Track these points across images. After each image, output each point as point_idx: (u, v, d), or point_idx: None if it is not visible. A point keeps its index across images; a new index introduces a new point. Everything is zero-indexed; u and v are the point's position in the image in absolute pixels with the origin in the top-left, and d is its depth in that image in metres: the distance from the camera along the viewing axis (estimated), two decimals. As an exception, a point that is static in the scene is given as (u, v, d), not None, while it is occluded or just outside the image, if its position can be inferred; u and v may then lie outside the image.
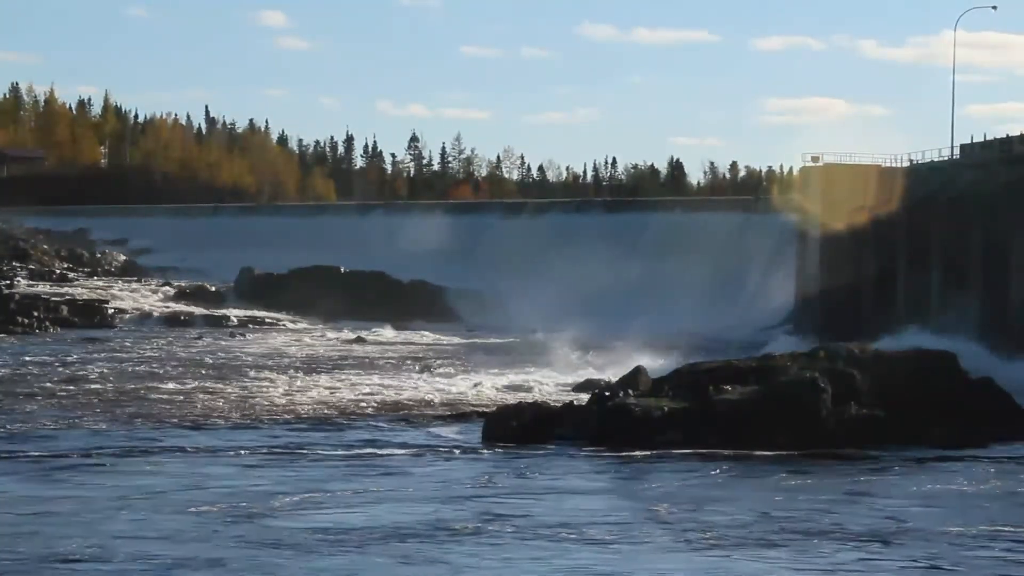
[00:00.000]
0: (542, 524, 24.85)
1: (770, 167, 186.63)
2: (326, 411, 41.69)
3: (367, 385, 49.10)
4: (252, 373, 52.94)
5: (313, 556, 22.35)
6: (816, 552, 23.00)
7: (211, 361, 57.87)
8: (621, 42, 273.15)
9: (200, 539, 23.50)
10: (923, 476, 30.99)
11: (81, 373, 51.90)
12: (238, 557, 22.21)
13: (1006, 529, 24.92)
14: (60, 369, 53.30)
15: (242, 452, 33.43)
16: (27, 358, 57.28)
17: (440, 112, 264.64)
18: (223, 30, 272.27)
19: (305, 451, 33.80)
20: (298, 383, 49.55)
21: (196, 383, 48.94)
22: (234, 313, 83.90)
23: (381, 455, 33.30)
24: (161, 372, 52.90)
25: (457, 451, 34.09)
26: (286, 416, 40.54)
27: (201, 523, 24.81)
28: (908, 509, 26.97)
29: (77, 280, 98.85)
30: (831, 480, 30.49)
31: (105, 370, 53.06)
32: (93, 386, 47.63)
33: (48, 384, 48.09)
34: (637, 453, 33.32)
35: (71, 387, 47.24)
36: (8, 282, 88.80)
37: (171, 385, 48.18)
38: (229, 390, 46.99)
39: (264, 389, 47.43)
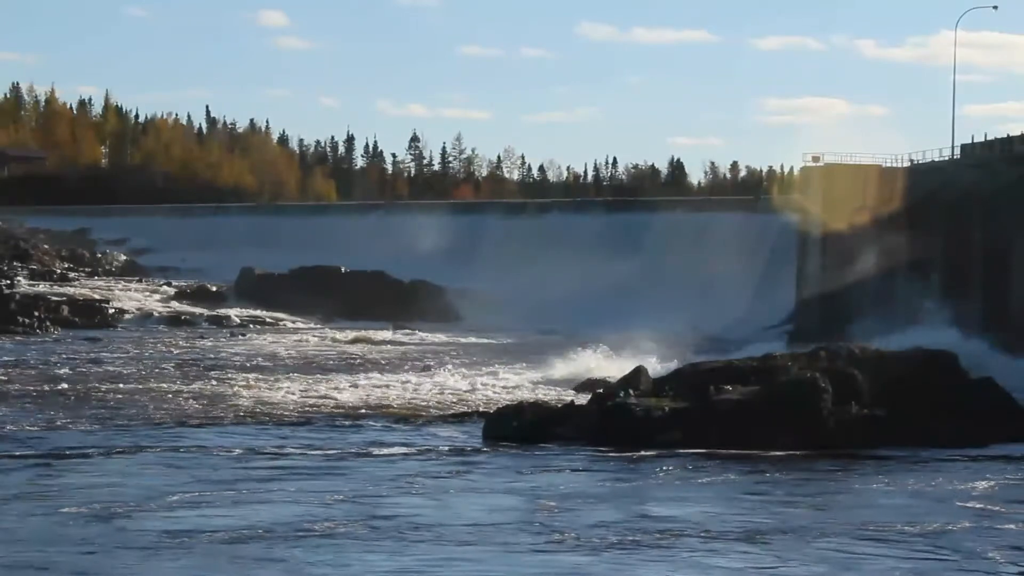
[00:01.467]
0: (420, 525, 24.49)
1: (770, 167, 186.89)
2: (324, 411, 41.61)
3: (367, 385, 49.04)
4: (249, 373, 52.85)
5: (146, 558, 21.92)
6: (674, 554, 22.64)
7: (208, 361, 57.76)
8: (620, 42, 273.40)
9: (42, 541, 22.96)
10: (883, 476, 30.84)
11: (67, 373, 51.73)
12: (67, 560, 21.70)
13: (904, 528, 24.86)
14: (47, 369, 53.07)
15: (216, 452, 33.03)
16: (12, 358, 56.91)
17: (440, 112, 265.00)
18: (223, 30, 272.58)
19: (284, 452, 33.37)
20: (297, 383, 49.46)
21: (190, 383, 48.74)
22: (235, 313, 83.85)
23: (373, 456, 33.04)
24: (155, 372, 52.75)
25: (450, 451, 33.87)
26: (282, 416, 40.39)
27: (56, 524, 24.30)
28: (845, 508, 26.85)
29: (77, 280, 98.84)
30: (797, 480, 30.25)
31: (93, 370, 52.89)
32: (73, 386, 47.28)
33: (27, 384, 47.78)
34: (636, 453, 33.24)
35: (46, 387, 46.90)
36: (8, 282, 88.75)
37: (165, 385, 48.02)
38: (223, 390, 46.82)
39: (261, 389, 47.31)
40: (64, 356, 58.52)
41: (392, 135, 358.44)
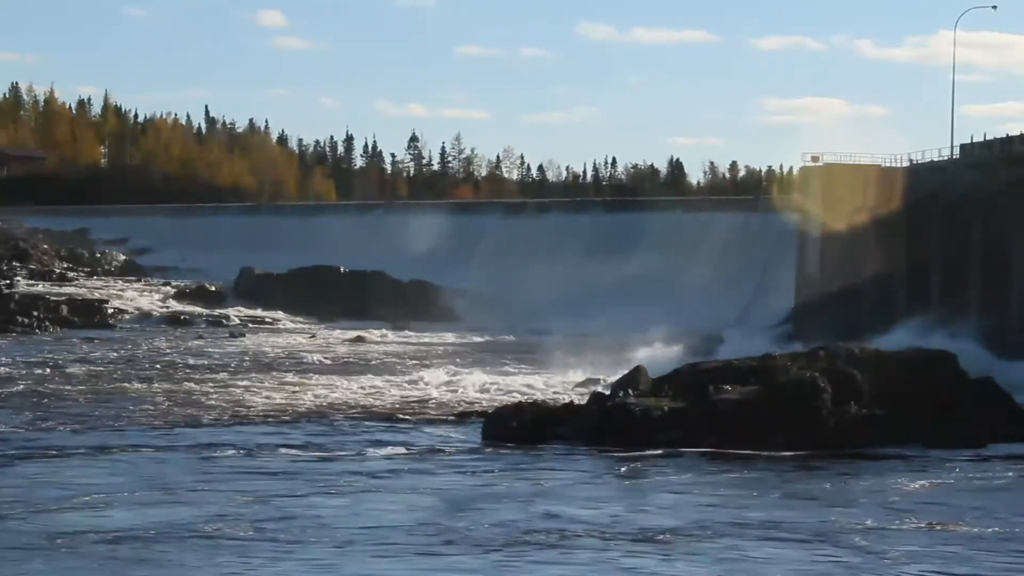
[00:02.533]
0: (322, 526, 24.34)
1: (769, 167, 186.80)
2: (321, 411, 41.51)
3: (366, 385, 48.97)
4: (246, 373, 52.81)
5: (20, 560, 21.79)
6: (568, 555, 22.61)
7: (205, 361, 57.68)
8: (620, 42, 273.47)
9: None
10: (868, 476, 30.90)
11: (59, 372, 51.60)
12: None
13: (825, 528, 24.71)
14: (38, 369, 52.93)
15: (178, 452, 32.91)
16: (6, 358, 56.58)
17: (440, 112, 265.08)
18: (223, 30, 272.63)
19: (256, 451, 33.22)
20: (295, 383, 49.39)
21: (184, 383, 48.61)
22: (234, 313, 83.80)
23: (354, 456, 32.93)
24: (150, 372, 52.59)
25: (441, 451, 33.75)
26: (276, 416, 40.25)
27: None
28: (803, 509, 26.68)
29: (77, 280, 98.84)
30: (776, 480, 30.17)
31: (85, 370, 52.76)
32: (61, 386, 47.12)
33: (15, 383, 47.62)
34: (634, 453, 33.12)
35: (32, 387, 46.77)
36: (8, 282, 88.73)
37: (157, 385, 47.88)
38: (217, 390, 46.66)
39: (259, 389, 47.18)
40: (58, 356, 58.36)
41: (391, 135, 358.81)
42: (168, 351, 62.42)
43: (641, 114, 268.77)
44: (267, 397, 44.95)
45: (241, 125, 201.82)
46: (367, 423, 38.94)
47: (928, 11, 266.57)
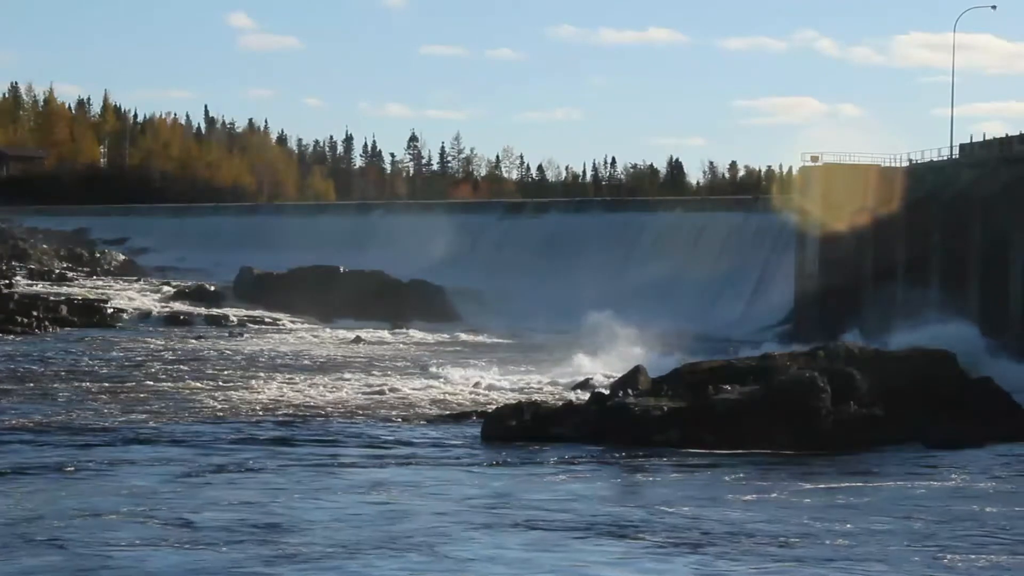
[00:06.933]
0: (312, 527, 24.38)
1: (768, 167, 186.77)
2: (320, 411, 41.45)
3: (365, 384, 48.92)
4: (246, 372, 52.73)
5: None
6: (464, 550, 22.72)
7: (203, 361, 57.50)
8: (587, 43, 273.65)
9: None
10: (849, 476, 30.80)
11: (47, 372, 51.51)
12: None
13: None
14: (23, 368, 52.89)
15: (135, 450, 33.00)
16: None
17: (438, 112, 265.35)
18: (222, 30, 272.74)
19: (258, 452, 33.10)
20: (294, 382, 49.32)
21: (183, 382, 48.46)
22: (233, 313, 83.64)
23: (363, 456, 32.91)
24: (145, 371, 52.31)
25: (443, 452, 33.74)
26: (279, 415, 40.19)
27: None
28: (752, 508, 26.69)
29: (76, 280, 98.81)
30: (753, 480, 30.06)
31: (74, 369, 52.63)
32: (43, 384, 47.04)
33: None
34: (632, 453, 33.14)
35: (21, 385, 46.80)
36: (7, 282, 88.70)
37: (151, 383, 47.78)
38: (219, 389, 46.55)
39: (257, 389, 47.08)
40: (50, 355, 58.25)
41: (391, 135, 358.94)
42: (171, 351, 62.30)
43: (641, 114, 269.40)
44: (265, 396, 44.86)
45: (240, 125, 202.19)
46: (366, 423, 38.91)
47: (929, 11, 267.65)
